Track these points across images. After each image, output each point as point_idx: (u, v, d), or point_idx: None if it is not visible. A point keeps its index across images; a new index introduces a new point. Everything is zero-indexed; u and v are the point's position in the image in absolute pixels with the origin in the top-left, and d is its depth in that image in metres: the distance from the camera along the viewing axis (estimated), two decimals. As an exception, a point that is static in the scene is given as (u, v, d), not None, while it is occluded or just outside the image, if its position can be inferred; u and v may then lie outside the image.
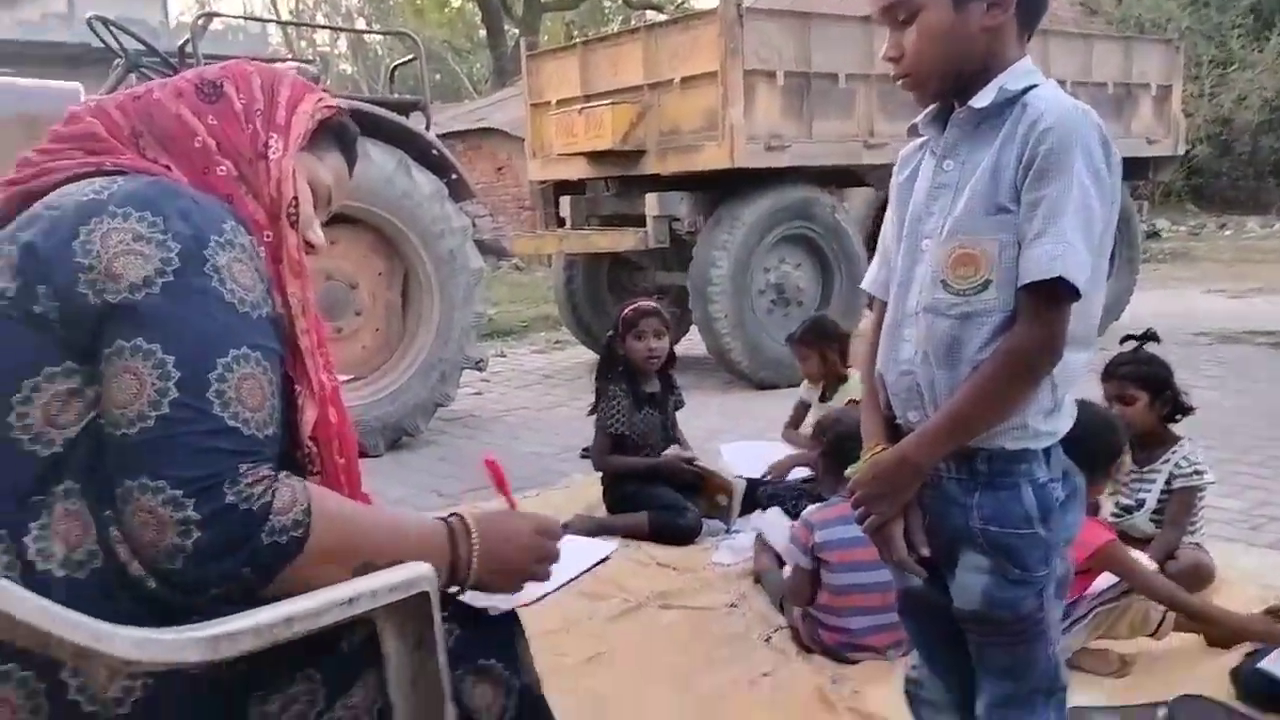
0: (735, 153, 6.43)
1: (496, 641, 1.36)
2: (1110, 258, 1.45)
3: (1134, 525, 3.04)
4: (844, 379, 4.17)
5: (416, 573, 1.21)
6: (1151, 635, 2.58)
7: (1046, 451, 1.45)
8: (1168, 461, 3.04)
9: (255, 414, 1.15)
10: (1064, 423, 1.46)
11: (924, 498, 1.46)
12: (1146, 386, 3.03)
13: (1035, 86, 1.42)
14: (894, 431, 1.53)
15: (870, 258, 1.70)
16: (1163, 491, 3.04)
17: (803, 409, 4.37)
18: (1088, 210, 1.34)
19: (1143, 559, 2.63)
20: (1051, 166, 1.34)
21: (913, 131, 1.58)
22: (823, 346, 4.20)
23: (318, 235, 1.41)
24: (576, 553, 1.56)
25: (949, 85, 1.47)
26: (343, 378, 4.85)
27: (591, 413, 3.99)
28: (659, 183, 7.05)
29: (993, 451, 1.42)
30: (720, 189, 6.81)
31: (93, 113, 1.32)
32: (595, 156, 7.31)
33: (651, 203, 6.92)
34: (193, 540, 1.08)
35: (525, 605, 1.40)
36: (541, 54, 8.26)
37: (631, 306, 3.98)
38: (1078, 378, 1.46)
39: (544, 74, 7.88)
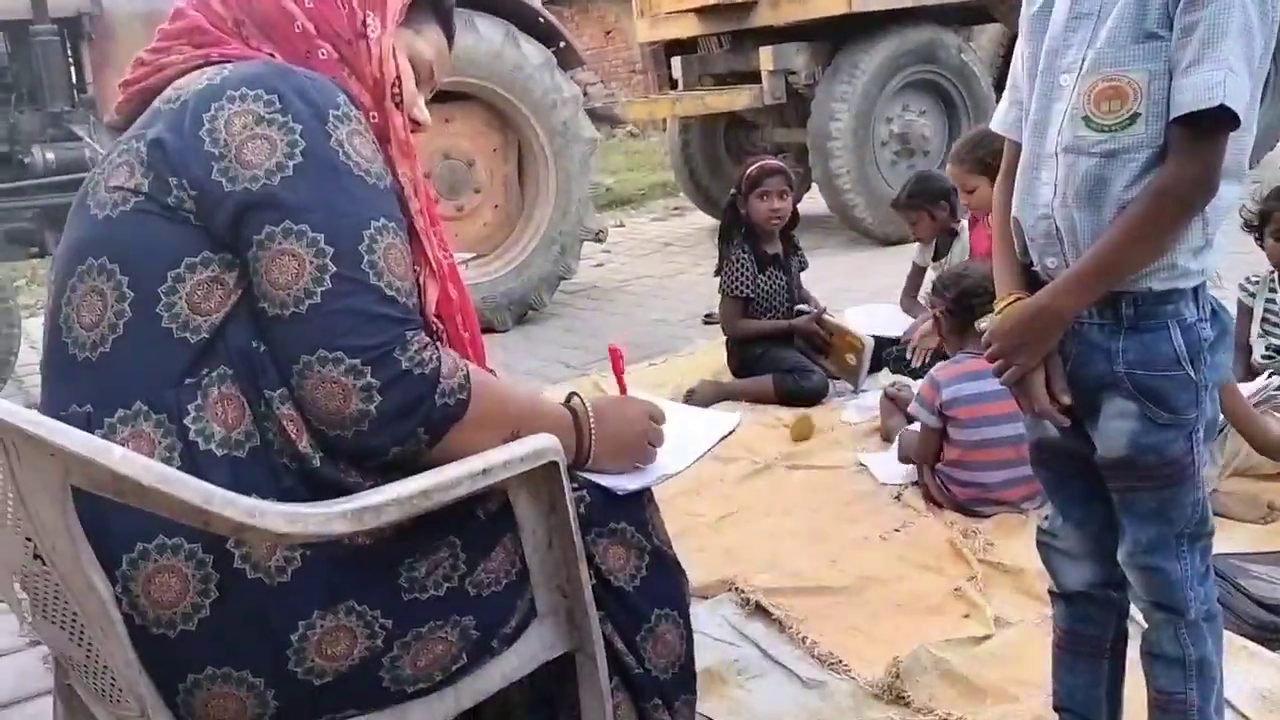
0: (853, -5, 6.14)
1: (626, 506, 1.40)
2: (1264, 83, 1.34)
3: (1286, 366, 2.90)
4: (957, 234, 3.97)
5: (544, 444, 1.24)
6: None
7: (1195, 290, 1.39)
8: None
9: (404, 282, 1.21)
10: (1213, 260, 1.39)
11: (1063, 345, 1.42)
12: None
13: None
14: (1030, 279, 1.48)
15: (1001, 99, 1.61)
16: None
17: (918, 274, 4.18)
18: (1248, 33, 1.25)
19: None
20: None
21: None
22: (930, 206, 3.96)
23: (423, 113, 1.41)
24: (701, 428, 1.57)
25: None
26: (465, 256, 4.90)
27: (717, 274, 3.96)
28: (773, 34, 6.79)
29: (1139, 293, 1.36)
30: (838, 37, 6.53)
31: (195, 7, 1.33)
32: (705, 11, 7.07)
33: (766, 56, 6.69)
34: (375, 405, 1.15)
35: (653, 484, 1.44)
36: (644, -95, 7.96)
37: (756, 164, 3.89)
38: (1228, 212, 1.38)
39: (648, -73, 7.60)
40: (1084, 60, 1.36)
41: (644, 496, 1.44)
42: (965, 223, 3.99)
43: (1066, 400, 1.42)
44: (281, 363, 1.17)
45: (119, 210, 1.20)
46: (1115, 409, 1.41)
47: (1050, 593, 1.65)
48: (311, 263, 1.15)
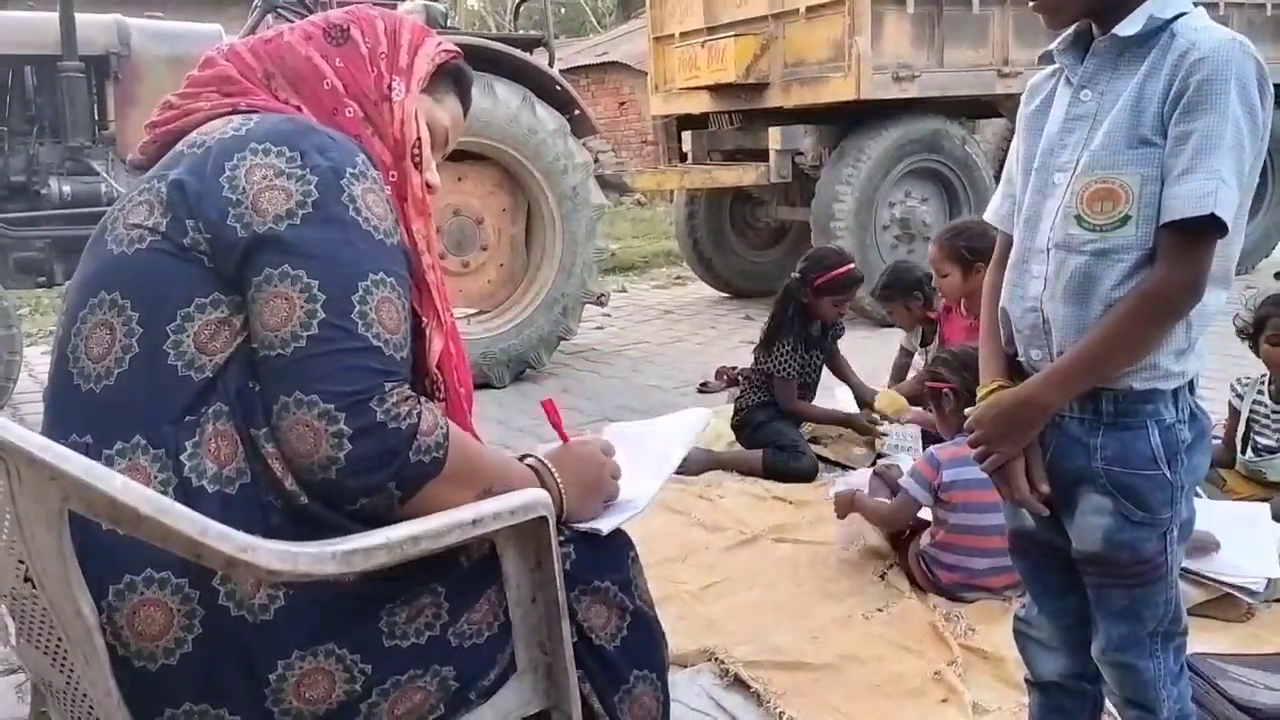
0: (861, 84, 6.27)
1: (611, 565, 1.42)
2: (1260, 192, 1.39)
3: (1274, 466, 2.92)
4: (937, 321, 4.04)
5: (535, 498, 1.27)
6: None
7: (1175, 393, 1.41)
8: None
9: (393, 336, 1.22)
10: (1195, 364, 1.42)
11: (1043, 437, 1.44)
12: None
13: (1184, 15, 1.36)
14: (1014, 369, 1.51)
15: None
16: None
17: (905, 358, 4.27)
18: (1240, 147, 1.29)
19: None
20: (1204, 99, 1.29)
21: (1046, 59, 1.52)
22: (903, 298, 4.07)
23: (434, 176, 1.45)
24: (672, 431, 1.61)
25: (1088, 7, 1.41)
26: (467, 311, 4.95)
27: (759, 348, 4.01)
28: (782, 116, 6.94)
29: (1120, 391, 1.39)
30: (845, 122, 6.66)
31: (226, 56, 1.39)
32: (718, 90, 7.23)
33: (774, 136, 6.82)
34: (345, 452, 1.15)
35: (640, 512, 1.45)
36: (665, -15, 8.17)
37: (843, 270, 3.90)
38: (1213, 318, 1.41)
39: (667, 6, 7.79)
40: (1079, 161, 1.40)
41: (629, 554, 1.46)
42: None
43: (1045, 489, 1.44)
44: (265, 402, 1.19)
45: (135, 247, 1.23)
46: (1091, 504, 1.43)
47: (1026, 681, 1.65)
48: (302, 307, 1.17)
